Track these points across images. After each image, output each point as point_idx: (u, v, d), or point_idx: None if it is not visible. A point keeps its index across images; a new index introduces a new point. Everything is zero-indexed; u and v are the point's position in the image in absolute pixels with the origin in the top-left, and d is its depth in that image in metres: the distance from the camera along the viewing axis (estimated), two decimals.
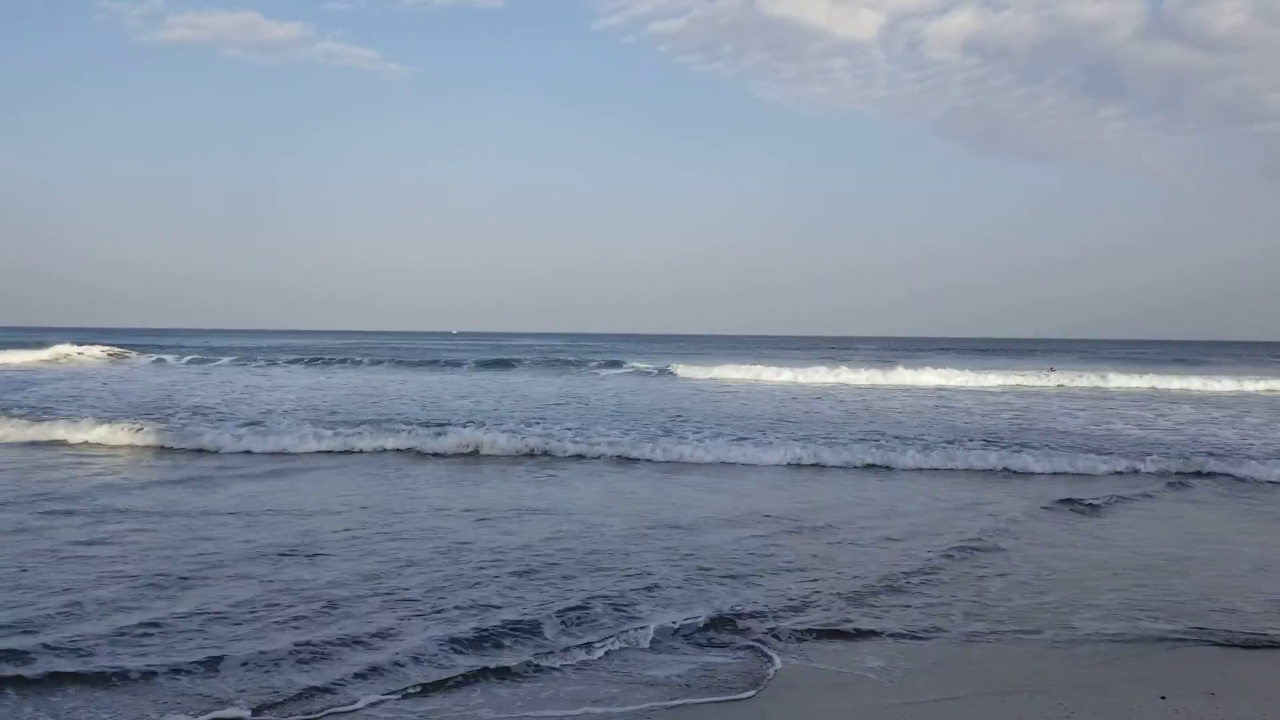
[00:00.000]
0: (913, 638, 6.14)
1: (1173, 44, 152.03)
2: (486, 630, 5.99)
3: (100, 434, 15.56)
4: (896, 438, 16.84)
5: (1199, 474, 13.82)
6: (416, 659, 5.50)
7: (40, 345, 48.00)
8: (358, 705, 4.87)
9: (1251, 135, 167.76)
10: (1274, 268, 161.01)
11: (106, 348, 50.52)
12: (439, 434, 15.76)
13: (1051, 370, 41.04)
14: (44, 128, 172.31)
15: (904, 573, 7.77)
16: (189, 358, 46.17)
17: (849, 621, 6.38)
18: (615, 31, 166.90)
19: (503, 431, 15.89)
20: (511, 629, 6.03)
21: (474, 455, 14.86)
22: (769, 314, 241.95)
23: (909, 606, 6.83)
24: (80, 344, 50.03)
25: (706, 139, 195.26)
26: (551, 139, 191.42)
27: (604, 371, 41.08)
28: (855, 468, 14.28)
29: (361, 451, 14.96)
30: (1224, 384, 33.90)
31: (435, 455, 14.85)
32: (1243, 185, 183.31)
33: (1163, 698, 5.14)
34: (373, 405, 22.35)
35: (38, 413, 18.25)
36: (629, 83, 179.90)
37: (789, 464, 14.47)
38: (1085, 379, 35.10)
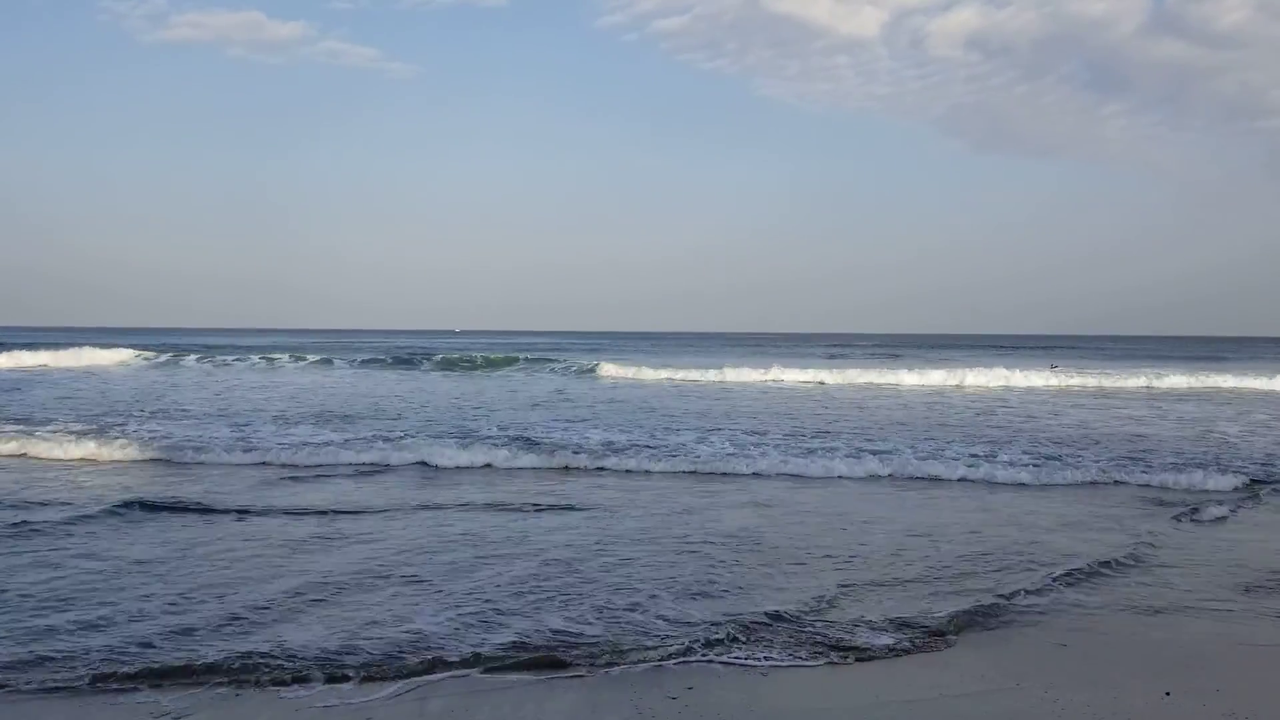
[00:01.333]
0: (925, 634, 6.15)
1: (1175, 40, 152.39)
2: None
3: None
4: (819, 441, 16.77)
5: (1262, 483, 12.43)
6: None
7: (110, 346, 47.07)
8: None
9: (1255, 131, 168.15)
10: (1278, 264, 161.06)
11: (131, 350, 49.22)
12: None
13: (1054, 368, 40.95)
14: (47, 127, 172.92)
15: (905, 562, 7.80)
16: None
17: (862, 618, 6.39)
18: (618, 29, 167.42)
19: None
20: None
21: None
22: (771, 311, 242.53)
23: (918, 603, 6.84)
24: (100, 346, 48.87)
25: (709, 137, 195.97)
26: (554, 137, 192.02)
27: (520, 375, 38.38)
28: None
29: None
30: (1231, 382, 33.62)
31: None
32: (1246, 181, 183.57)
33: (1167, 694, 5.14)
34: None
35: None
36: (631, 81, 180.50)
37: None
38: (1087, 378, 34.84)
